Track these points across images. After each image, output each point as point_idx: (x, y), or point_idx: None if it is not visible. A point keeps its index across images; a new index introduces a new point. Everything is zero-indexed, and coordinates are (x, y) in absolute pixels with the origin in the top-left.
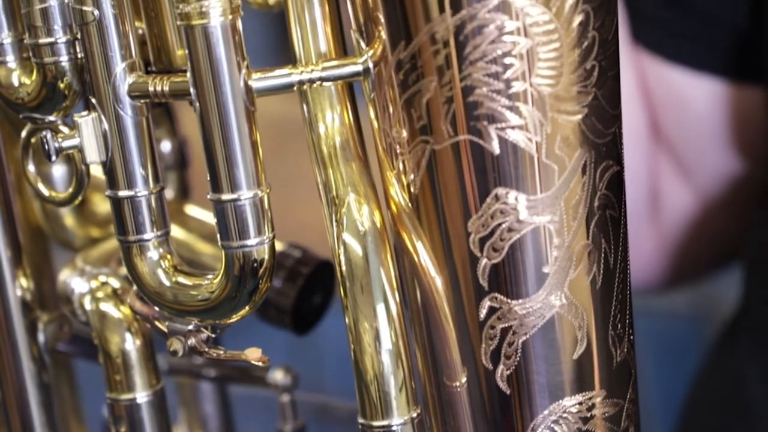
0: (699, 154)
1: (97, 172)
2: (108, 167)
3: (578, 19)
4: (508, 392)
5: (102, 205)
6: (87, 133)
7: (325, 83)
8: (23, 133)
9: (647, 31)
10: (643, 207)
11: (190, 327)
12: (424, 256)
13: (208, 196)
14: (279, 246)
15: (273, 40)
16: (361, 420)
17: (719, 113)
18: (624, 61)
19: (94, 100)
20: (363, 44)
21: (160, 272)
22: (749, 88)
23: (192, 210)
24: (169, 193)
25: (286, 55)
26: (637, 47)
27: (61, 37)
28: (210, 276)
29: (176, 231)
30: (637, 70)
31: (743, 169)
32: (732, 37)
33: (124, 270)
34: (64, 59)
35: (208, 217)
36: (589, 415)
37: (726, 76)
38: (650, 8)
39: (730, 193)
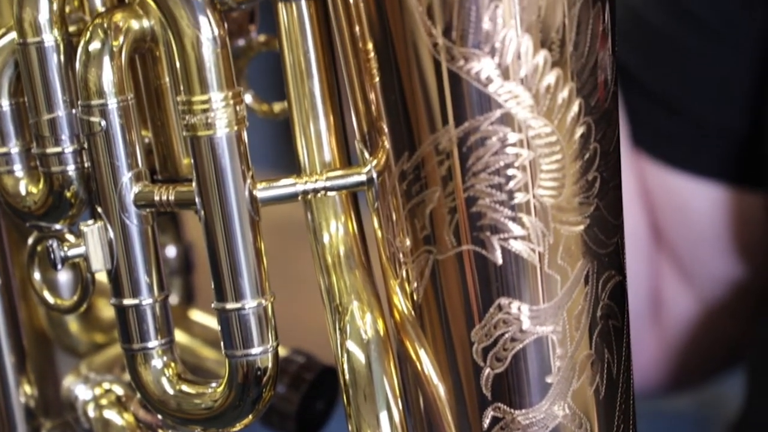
0: (700, 259)
1: (102, 276)
2: (113, 275)
3: (580, 131)
4: None
5: (106, 310)
6: (93, 242)
7: (329, 193)
8: (29, 241)
9: (647, 136)
10: (644, 310)
11: None
12: (427, 364)
13: (213, 305)
14: (282, 351)
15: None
16: None
17: (720, 218)
18: (625, 165)
19: (100, 209)
20: (367, 154)
21: (163, 380)
22: (750, 193)
23: (196, 315)
24: (174, 298)
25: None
26: (638, 152)
27: (68, 146)
28: (213, 384)
29: (180, 336)
30: (638, 174)
31: (745, 273)
32: (732, 142)
33: (128, 376)
34: (71, 168)
35: (212, 323)
36: None
37: (726, 181)
38: (650, 114)
39: (732, 297)
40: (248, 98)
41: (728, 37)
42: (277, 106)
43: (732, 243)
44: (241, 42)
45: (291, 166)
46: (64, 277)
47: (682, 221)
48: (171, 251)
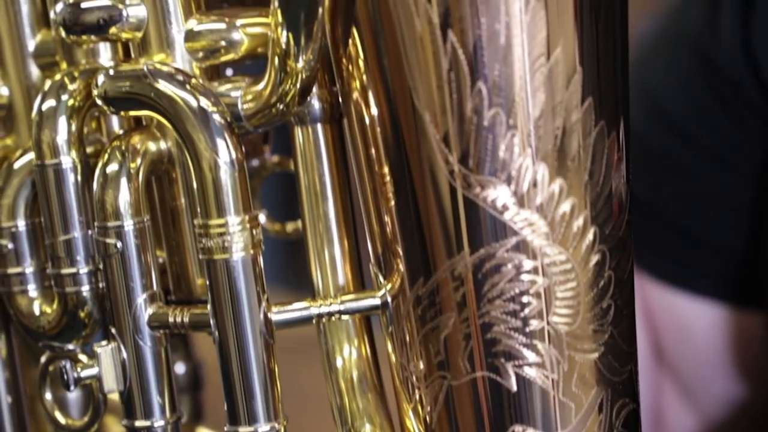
0: (702, 378)
1: (113, 395)
2: (126, 396)
3: (595, 258)
4: None
5: (115, 428)
6: (106, 363)
7: (343, 316)
8: (42, 360)
9: (648, 255)
10: (647, 428)
11: None
12: None
13: (225, 429)
14: None
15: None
16: None
17: (721, 338)
18: None
19: (113, 330)
20: (381, 278)
21: None
22: (751, 313)
23: None
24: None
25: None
26: (639, 271)
27: (83, 267)
28: None
29: None
30: (640, 293)
31: (747, 392)
32: (732, 262)
33: None
34: (85, 289)
35: None
36: None
37: (727, 301)
38: (651, 233)
39: (734, 416)
40: (261, 218)
41: (726, 158)
42: (290, 226)
43: (733, 363)
44: (255, 162)
45: (304, 281)
46: (74, 395)
47: (684, 340)
48: (180, 368)
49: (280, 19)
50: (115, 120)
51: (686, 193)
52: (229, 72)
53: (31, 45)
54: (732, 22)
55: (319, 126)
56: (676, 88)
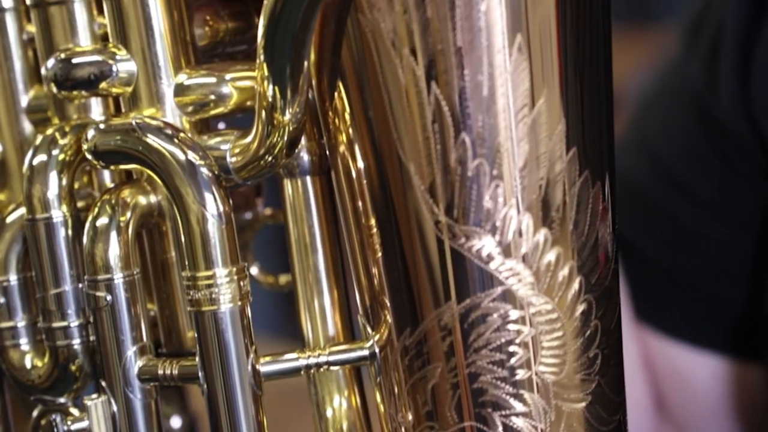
0: (703, 428)
1: None
2: None
3: (581, 308)
4: None
5: None
6: (96, 416)
7: (332, 367)
8: (34, 414)
9: (648, 306)
10: None
11: None
12: None
13: None
14: None
15: None
16: None
17: (722, 389)
18: (627, 336)
19: (104, 383)
20: (369, 329)
21: None
22: (751, 365)
23: None
24: None
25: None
26: (640, 322)
27: (74, 320)
28: None
29: None
30: (641, 344)
31: None
32: (732, 313)
33: None
34: (76, 342)
35: None
36: None
37: (727, 353)
38: (650, 284)
39: None
40: (254, 270)
41: (726, 211)
42: (283, 278)
43: (734, 413)
44: (247, 215)
45: (294, 331)
46: None
47: (684, 391)
48: (176, 422)
49: (266, 72)
50: (107, 174)
51: (686, 245)
52: (221, 125)
53: (24, 101)
54: (730, 76)
55: (308, 178)
56: (675, 140)
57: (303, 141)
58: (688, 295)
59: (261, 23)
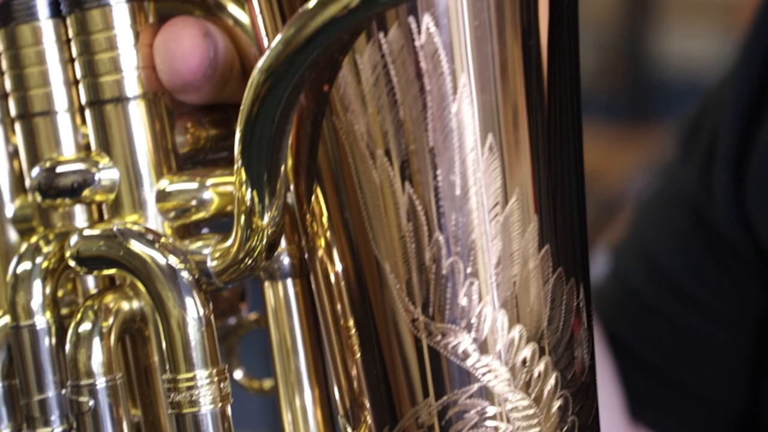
0: None
1: None
2: None
3: (557, 404)
4: None
5: None
6: None
7: None
8: None
9: (645, 408)
10: None
11: None
12: None
13: None
14: None
15: None
16: None
17: None
18: None
19: None
20: (350, 429)
21: None
22: None
23: None
24: None
25: None
26: (636, 422)
27: (57, 427)
28: None
29: None
30: None
31: None
32: (729, 417)
33: None
34: None
35: None
36: None
37: None
38: (647, 386)
39: None
40: (239, 374)
41: (723, 316)
42: (267, 383)
43: None
44: (232, 320)
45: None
46: None
47: None
48: None
49: (243, 177)
50: (90, 279)
51: (684, 348)
52: (205, 230)
53: (9, 211)
54: (726, 182)
55: (289, 281)
56: (672, 246)
57: (283, 244)
58: (684, 397)
59: (238, 128)
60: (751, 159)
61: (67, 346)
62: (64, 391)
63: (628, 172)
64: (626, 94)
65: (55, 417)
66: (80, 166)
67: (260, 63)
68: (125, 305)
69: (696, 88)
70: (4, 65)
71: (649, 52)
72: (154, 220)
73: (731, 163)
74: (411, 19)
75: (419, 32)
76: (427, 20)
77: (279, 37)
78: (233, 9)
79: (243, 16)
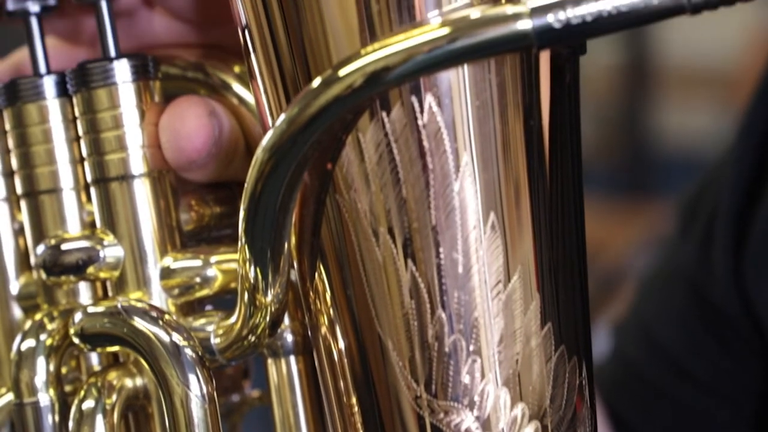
0: None
1: None
2: None
3: None
4: None
5: None
6: None
7: None
8: None
9: None
10: None
11: None
12: None
13: None
14: None
15: None
16: None
17: None
18: None
19: None
20: None
21: None
22: None
23: None
24: None
25: None
26: None
27: None
28: None
29: None
30: None
31: None
32: None
33: None
34: None
35: None
36: None
37: None
38: None
39: None
40: None
41: (722, 392)
42: None
43: None
44: (235, 397)
45: None
46: None
47: None
48: None
49: (247, 254)
50: (94, 356)
51: (684, 425)
52: (209, 307)
53: (14, 288)
54: (725, 260)
55: (292, 358)
56: (673, 324)
57: (286, 321)
58: None
59: (242, 206)
60: (750, 238)
61: (71, 424)
62: None
63: (627, 246)
64: (626, 168)
65: None
66: (85, 243)
67: (264, 141)
68: (129, 382)
69: (695, 163)
70: (11, 144)
71: (648, 127)
72: (158, 297)
73: (730, 242)
74: (414, 99)
75: (422, 111)
76: (429, 100)
77: (283, 116)
78: (238, 88)
79: (248, 95)
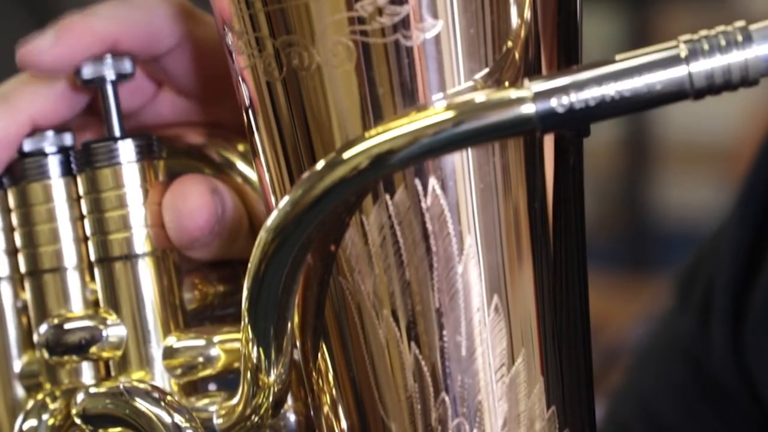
0: None
1: None
2: None
3: None
4: None
5: None
6: None
7: None
8: None
9: None
10: None
11: None
12: None
13: None
14: None
15: None
16: None
17: None
18: None
19: None
20: None
21: None
22: None
23: None
24: None
25: None
26: None
27: None
28: None
29: None
30: None
31: None
32: None
33: None
34: None
35: None
36: None
37: None
38: None
39: None
40: None
41: None
42: None
43: None
44: None
45: None
46: None
47: None
48: None
49: (250, 334)
50: None
51: None
52: (212, 386)
53: (17, 366)
54: (723, 333)
55: None
56: (670, 396)
57: (289, 401)
58: None
59: (245, 286)
60: (749, 310)
61: None
62: None
63: (628, 321)
64: (626, 243)
65: None
66: (88, 323)
67: (268, 222)
68: None
69: (696, 237)
70: (15, 222)
71: (648, 201)
72: (160, 376)
73: (728, 314)
74: (417, 181)
75: (425, 194)
76: (433, 182)
77: (287, 197)
78: (241, 166)
79: (251, 174)
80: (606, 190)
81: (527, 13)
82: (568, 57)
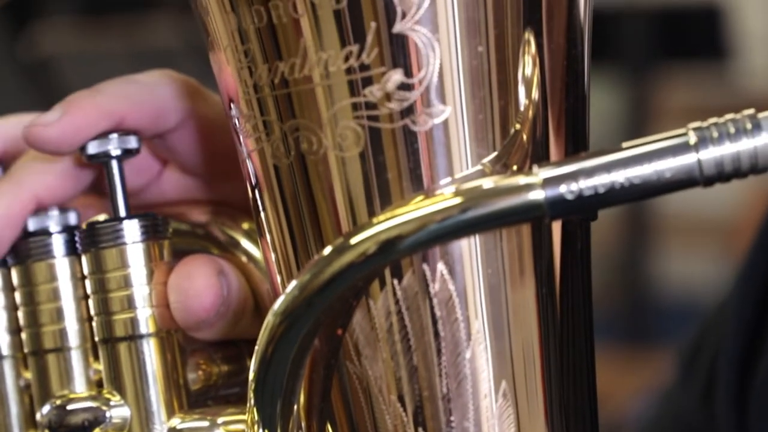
0: None
1: None
2: None
3: None
4: None
5: None
6: None
7: None
8: None
9: None
10: None
11: None
12: None
13: None
14: None
15: None
16: None
17: None
18: None
19: None
20: None
21: None
22: None
23: None
24: None
25: None
26: None
27: None
28: None
29: None
30: None
31: None
32: None
33: None
34: None
35: None
36: None
37: None
38: None
39: None
40: None
41: None
42: None
43: None
44: None
45: None
46: None
47: None
48: None
49: (256, 416)
50: None
51: None
52: None
53: None
54: (727, 411)
55: None
56: None
57: None
58: None
59: (252, 368)
60: (753, 388)
61: None
62: None
63: (629, 395)
64: (627, 317)
65: None
66: (91, 404)
67: (276, 306)
68: None
69: (696, 311)
70: (18, 301)
71: (648, 275)
72: None
73: (733, 393)
74: (425, 267)
75: (433, 279)
76: (441, 267)
77: (295, 282)
78: (246, 245)
79: (256, 252)
80: (607, 264)
81: (536, 96)
82: (576, 141)
